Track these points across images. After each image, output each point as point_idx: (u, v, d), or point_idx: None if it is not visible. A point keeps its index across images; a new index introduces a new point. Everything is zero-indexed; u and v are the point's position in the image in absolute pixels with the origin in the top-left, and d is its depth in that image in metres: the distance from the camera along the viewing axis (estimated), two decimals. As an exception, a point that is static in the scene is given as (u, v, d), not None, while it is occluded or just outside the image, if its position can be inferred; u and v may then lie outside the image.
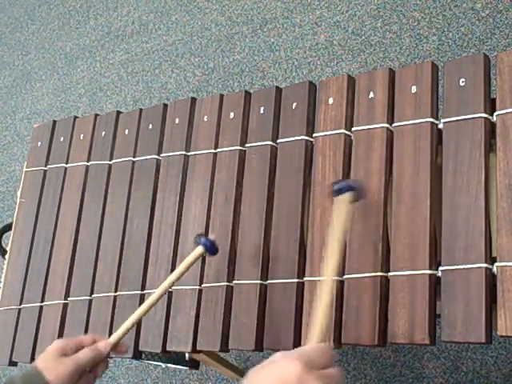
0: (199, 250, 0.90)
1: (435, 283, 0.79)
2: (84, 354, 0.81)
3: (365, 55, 1.74)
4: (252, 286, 0.91)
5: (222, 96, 1.06)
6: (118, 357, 0.86)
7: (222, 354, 1.32)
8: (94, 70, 2.25)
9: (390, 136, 0.88)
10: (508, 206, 0.76)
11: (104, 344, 0.84)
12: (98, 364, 0.84)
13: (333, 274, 0.74)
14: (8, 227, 1.27)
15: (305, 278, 0.87)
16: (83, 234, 1.12)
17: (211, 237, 0.91)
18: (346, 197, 0.80)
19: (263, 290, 0.90)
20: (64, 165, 1.20)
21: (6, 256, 1.22)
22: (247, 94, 1.03)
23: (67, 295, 1.09)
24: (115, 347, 0.87)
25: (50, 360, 0.79)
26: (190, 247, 0.99)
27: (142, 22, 2.25)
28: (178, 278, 0.90)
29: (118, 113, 1.18)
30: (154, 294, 0.89)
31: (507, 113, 0.80)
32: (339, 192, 0.81)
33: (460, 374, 1.29)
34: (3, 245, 1.27)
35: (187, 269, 0.90)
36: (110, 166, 1.14)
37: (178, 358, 1.26)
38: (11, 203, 2.12)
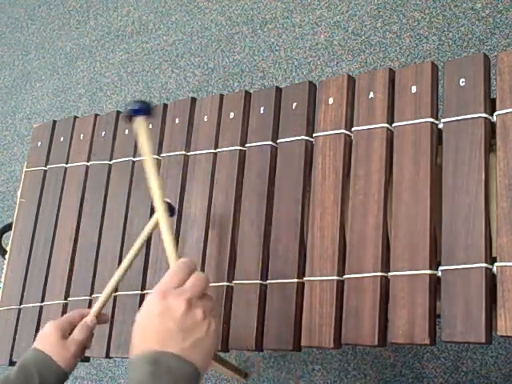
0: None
1: (435, 283, 0.79)
2: (79, 333, 0.85)
3: (365, 55, 1.74)
4: (252, 286, 0.91)
5: (222, 96, 1.06)
6: (101, 323, 0.92)
7: (222, 354, 1.32)
8: (94, 70, 2.25)
9: (390, 136, 0.88)
10: (508, 206, 0.76)
11: (91, 318, 0.88)
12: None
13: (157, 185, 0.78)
14: (8, 227, 1.27)
15: (305, 278, 0.87)
16: (83, 234, 1.12)
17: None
18: (140, 119, 0.81)
19: (263, 290, 0.90)
20: (64, 165, 1.20)
21: (6, 256, 1.22)
22: (247, 94, 1.03)
23: (67, 295, 1.09)
24: (98, 318, 0.90)
25: (55, 344, 0.83)
26: (190, 247, 0.99)
27: (142, 21, 2.25)
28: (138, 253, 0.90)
29: (118, 113, 1.18)
30: (131, 251, 0.90)
31: (507, 113, 0.80)
32: (130, 116, 0.81)
33: (460, 374, 1.29)
34: (3, 245, 1.27)
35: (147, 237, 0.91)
36: (109, 166, 1.14)
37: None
38: (11, 203, 2.12)
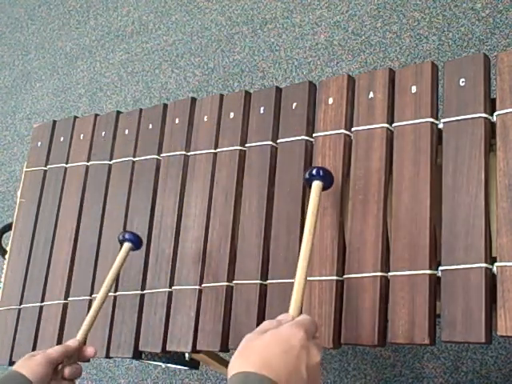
0: (126, 246, 0.93)
1: (435, 283, 0.79)
2: (53, 349, 0.84)
3: (365, 55, 1.74)
4: (252, 286, 0.91)
5: (221, 96, 1.06)
6: (87, 359, 0.89)
7: (222, 354, 1.32)
8: (94, 70, 2.25)
9: (390, 136, 0.88)
10: (508, 206, 0.76)
11: (73, 340, 0.87)
12: (71, 364, 0.85)
13: (309, 248, 0.76)
14: (8, 227, 1.27)
15: (305, 278, 0.87)
16: (83, 234, 1.12)
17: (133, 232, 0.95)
18: (318, 184, 0.82)
19: (263, 290, 0.90)
20: (64, 165, 1.20)
21: (6, 256, 1.22)
22: (247, 94, 1.03)
23: (67, 295, 1.09)
24: (84, 346, 0.88)
25: (22, 360, 0.82)
26: (189, 247, 0.99)
27: (142, 21, 2.25)
28: (115, 279, 0.93)
29: (118, 113, 1.18)
30: (98, 297, 0.90)
31: (507, 113, 0.80)
32: (310, 180, 0.83)
33: (460, 374, 1.29)
34: (3, 245, 1.27)
35: (121, 267, 0.93)
36: (109, 166, 1.14)
37: (178, 357, 1.26)
38: (11, 203, 2.12)
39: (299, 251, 0.89)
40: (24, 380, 0.79)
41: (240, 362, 0.61)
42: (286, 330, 0.63)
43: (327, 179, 0.83)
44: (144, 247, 1.03)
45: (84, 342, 0.88)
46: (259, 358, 0.60)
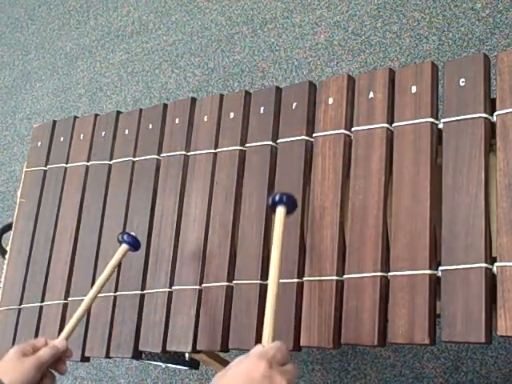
0: (123, 248, 0.93)
1: (435, 283, 0.79)
2: (44, 352, 0.83)
3: (365, 55, 1.74)
4: (252, 286, 0.91)
5: (221, 96, 1.06)
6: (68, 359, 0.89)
7: (222, 354, 1.32)
8: (94, 70, 2.25)
9: (390, 136, 0.88)
10: (508, 206, 0.76)
11: (60, 341, 0.87)
12: (59, 362, 0.86)
13: (276, 279, 0.77)
14: (8, 227, 1.27)
15: (304, 278, 0.87)
16: (83, 234, 1.12)
17: (132, 233, 0.95)
18: (282, 210, 0.82)
19: (263, 290, 0.90)
20: (64, 165, 1.20)
21: (6, 256, 1.22)
22: (247, 94, 1.03)
23: (67, 295, 1.09)
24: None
25: (11, 362, 0.81)
26: (189, 247, 0.99)
27: (142, 21, 2.25)
28: (108, 279, 0.92)
29: (118, 113, 1.18)
30: (86, 298, 0.91)
31: (507, 113, 0.80)
32: (274, 205, 0.83)
33: (460, 374, 1.29)
34: (3, 245, 1.27)
35: (115, 268, 0.93)
36: (109, 165, 1.14)
37: (178, 357, 1.26)
38: (11, 203, 2.12)
39: (299, 251, 0.89)
40: None
41: None
42: (248, 363, 0.65)
43: (290, 204, 0.83)
44: (144, 247, 1.03)
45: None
46: None
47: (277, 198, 0.82)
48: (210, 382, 0.64)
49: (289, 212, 0.83)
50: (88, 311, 1.04)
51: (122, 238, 0.93)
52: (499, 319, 0.72)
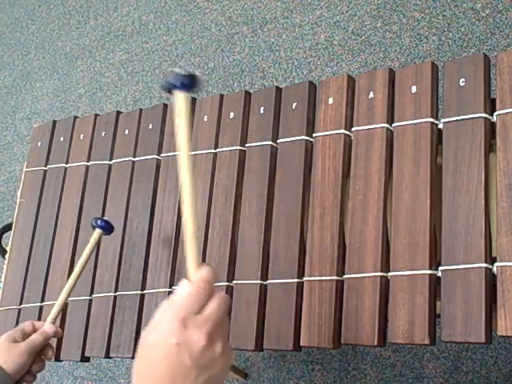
0: (97, 232, 0.96)
1: (435, 283, 0.79)
2: (36, 337, 0.85)
3: (365, 55, 1.74)
4: (252, 286, 0.91)
5: (222, 96, 1.06)
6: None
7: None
8: (94, 70, 2.25)
9: (389, 136, 0.88)
10: (508, 206, 0.76)
11: (49, 326, 0.89)
12: (47, 347, 0.88)
13: (192, 197, 0.64)
14: (8, 227, 1.27)
15: (304, 278, 0.87)
16: (83, 234, 1.12)
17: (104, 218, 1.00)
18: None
19: (263, 290, 0.90)
20: (64, 165, 1.20)
21: (6, 256, 1.22)
22: (247, 94, 1.03)
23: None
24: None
25: (3, 350, 0.82)
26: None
27: (142, 21, 2.25)
28: (85, 265, 0.95)
29: (118, 113, 1.18)
30: (66, 286, 0.94)
31: (507, 113, 0.80)
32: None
33: (460, 374, 1.29)
34: (3, 245, 1.27)
35: (91, 253, 0.96)
36: (109, 165, 1.14)
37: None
38: (11, 203, 2.12)
39: (299, 251, 0.89)
40: (4, 377, 0.79)
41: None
42: (161, 328, 0.59)
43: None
44: (144, 247, 1.03)
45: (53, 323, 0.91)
46: (142, 369, 0.59)
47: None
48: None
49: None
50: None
51: (96, 223, 0.97)
52: (499, 319, 0.72)
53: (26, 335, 0.86)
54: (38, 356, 0.86)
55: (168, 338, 0.57)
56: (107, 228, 0.97)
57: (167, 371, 0.56)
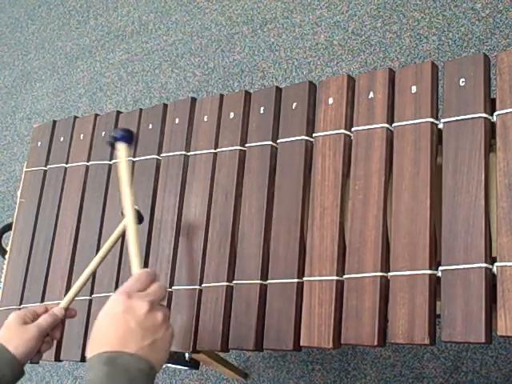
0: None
1: (435, 283, 0.79)
2: (44, 319, 0.86)
3: (365, 55, 1.74)
4: (252, 286, 0.91)
5: (221, 96, 1.06)
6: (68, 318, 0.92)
7: (222, 354, 1.32)
8: (94, 70, 2.25)
9: (389, 136, 0.88)
10: (508, 206, 0.76)
11: (59, 309, 0.89)
12: (55, 328, 0.88)
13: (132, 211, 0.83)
14: (8, 227, 1.27)
15: (304, 278, 0.87)
16: (83, 234, 1.12)
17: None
18: (122, 146, 0.88)
19: (263, 290, 0.90)
20: (64, 165, 1.20)
21: (6, 256, 1.22)
22: (247, 94, 1.03)
23: (67, 295, 1.09)
24: (66, 311, 0.91)
25: (13, 330, 0.83)
26: (190, 247, 0.99)
27: (142, 21, 2.25)
28: (113, 246, 0.95)
29: (118, 113, 1.18)
30: (90, 265, 0.93)
31: (507, 113, 0.80)
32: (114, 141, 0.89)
33: (460, 374, 1.29)
34: (3, 245, 1.27)
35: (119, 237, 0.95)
36: (109, 166, 1.14)
37: (178, 357, 1.26)
38: (11, 203, 2.12)
39: (299, 251, 0.89)
40: (9, 356, 0.80)
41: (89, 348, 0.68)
42: (109, 303, 0.69)
43: (128, 137, 0.89)
44: (144, 247, 1.03)
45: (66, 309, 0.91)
46: (94, 339, 0.68)
47: (115, 135, 0.88)
48: None
49: (129, 143, 0.89)
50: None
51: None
52: (499, 319, 0.72)
53: (36, 317, 0.86)
54: (47, 336, 0.86)
55: (115, 308, 0.68)
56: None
57: (115, 335, 0.66)
